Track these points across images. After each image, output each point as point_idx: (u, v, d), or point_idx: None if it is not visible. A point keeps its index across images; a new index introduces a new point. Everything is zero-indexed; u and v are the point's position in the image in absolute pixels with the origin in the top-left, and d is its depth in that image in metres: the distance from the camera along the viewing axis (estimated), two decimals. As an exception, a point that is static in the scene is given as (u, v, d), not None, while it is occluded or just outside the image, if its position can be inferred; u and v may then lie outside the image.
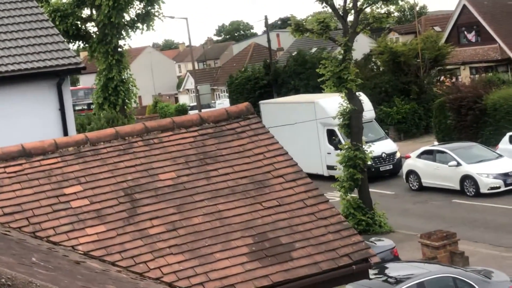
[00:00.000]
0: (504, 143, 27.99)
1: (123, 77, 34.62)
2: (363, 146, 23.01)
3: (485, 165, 25.79)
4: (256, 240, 7.80)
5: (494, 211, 23.42)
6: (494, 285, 14.16)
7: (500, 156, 26.66)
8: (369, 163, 23.66)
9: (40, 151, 8.45)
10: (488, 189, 25.19)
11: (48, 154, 8.45)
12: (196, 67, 79.03)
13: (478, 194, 25.23)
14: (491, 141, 32.25)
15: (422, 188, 27.49)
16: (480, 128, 33.54)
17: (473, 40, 48.16)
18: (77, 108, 60.95)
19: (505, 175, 25.35)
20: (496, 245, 19.96)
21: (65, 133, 13.81)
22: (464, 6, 47.73)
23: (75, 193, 8.04)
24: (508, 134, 28.32)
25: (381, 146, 30.07)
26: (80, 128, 27.42)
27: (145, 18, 35.30)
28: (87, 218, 7.76)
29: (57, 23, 32.91)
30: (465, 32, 48.55)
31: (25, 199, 7.85)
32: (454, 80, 45.01)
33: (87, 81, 72.71)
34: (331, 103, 28.03)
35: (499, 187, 25.16)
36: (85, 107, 59.28)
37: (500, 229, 21.36)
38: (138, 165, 8.49)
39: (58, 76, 14.11)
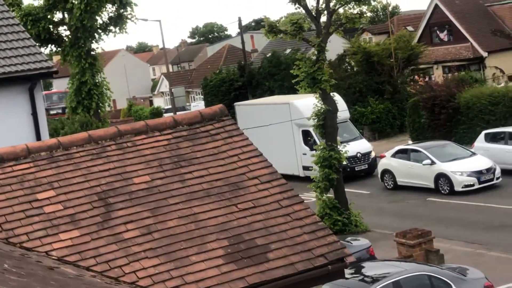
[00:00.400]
0: (479, 141, 28.21)
1: (97, 80, 34.39)
2: (338, 146, 23.08)
3: (459, 163, 26.00)
4: (231, 242, 7.78)
5: (468, 209, 23.61)
6: (470, 282, 14.26)
7: (474, 154, 26.89)
8: (344, 163, 23.73)
9: (12, 156, 8.36)
10: (462, 187, 25.39)
11: (20, 159, 8.37)
12: (171, 70, 78.82)
13: (452, 192, 25.42)
14: (465, 139, 32.52)
15: (397, 187, 27.64)
16: (453, 127, 33.80)
17: (446, 39, 48.57)
18: (52, 112, 60.46)
19: (479, 173, 25.57)
20: (470, 242, 20.12)
21: (38, 137, 13.69)
22: (436, 5, 48.12)
23: (48, 198, 7.96)
24: (484, 132, 28.53)
25: (356, 146, 30.19)
26: (54, 133, 27.23)
27: (118, 21, 35.09)
28: (60, 223, 7.70)
29: (29, 27, 32.63)
30: (438, 32, 48.95)
31: (-2, 205, 7.77)
32: (427, 79, 45.34)
33: (61, 85, 72.22)
34: (306, 104, 28.11)
35: (473, 185, 25.37)
36: (60, 111, 58.81)
37: (474, 226, 21.53)
38: (111, 169, 8.44)
39: (30, 81, 13.99)
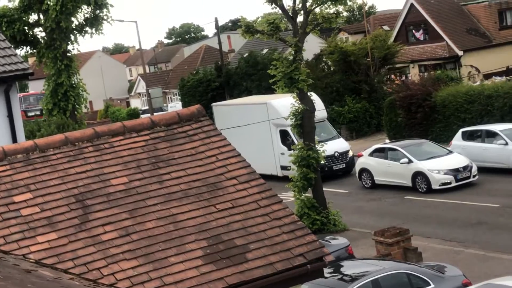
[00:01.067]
0: (457, 139, 28.38)
1: (73, 82, 34.15)
2: (316, 146, 23.13)
3: (436, 161, 26.16)
4: (210, 242, 7.78)
5: (445, 207, 23.77)
6: (448, 280, 14.36)
7: (450, 152, 27.07)
8: (322, 162, 23.79)
9: (-12, 159, 8.29)
10: (440, 185, 25.55)
11: (-4, 162, 8.30)
12: (147, 71, 78.59)
13: (429, 190, 25.57)
14: (441, 138, 32.73)
15: (375, 186, 27.76)
16: (430, 125, 34.02)
17: (421, 38, 48.88)
18: (29, 114, 59.98)
19: (456, 171, 25.74)
20: (448, 240, 20.25)
21: (14, 140, 13.57)
22: (412, 5, 48.41)
23: (25, 200, 7.91)
24: (461, 130, 28.71)
25: (333, 145, 30.26)
26: (30, 135, 27.00)
27: (94, 22, 34.86)
28: (38, 226, 7.65)
29: (4, 28, 32.35)
30: (413, 31, 49.26)
31: (-27, 208, 7.70)
32: (403, 78, 45.58)
33: (37, 87, 71.71)
34: (283, 103, 28.13)
35: (450, 183, 25.53)
36: (38, 112, 58.38)
37: (452, 224, 21.68)
38: (89, 171, 8.40)
39: (6, 83, 13.86)
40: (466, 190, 25.19)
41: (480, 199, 23.81)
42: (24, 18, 34.16)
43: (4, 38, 14.98)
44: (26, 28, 34.42)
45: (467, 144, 27.75)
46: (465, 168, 25.86)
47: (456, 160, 26.23)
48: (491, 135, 27.28)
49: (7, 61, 14.15)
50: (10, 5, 34.21)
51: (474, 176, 25.91)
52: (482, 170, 26.39)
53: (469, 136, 28.17)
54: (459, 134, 28.55)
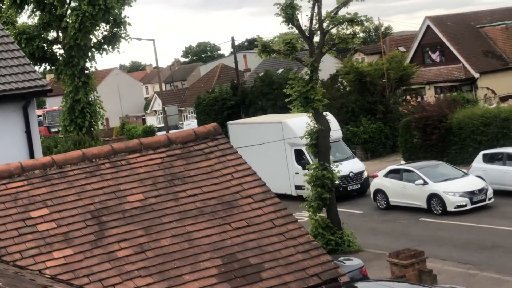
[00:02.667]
0: (477, 162, 28.11)
1: (90, 99, 34.44)
2: (331, 166, 23.09)
3: (451, 183, 26.02)
4: (225, 261, 7.77)
5: (460, 229, 23.62)
6: (462, 303, 14.25)
7: (466, 174, 26.92)
8: (337, 182, 23.72)
9: (6, 174, 8.36)
10: (455, 207, 25.40)
11: (14, 177, 8.37)
12: (164, 89, 78.89)
13: (445, 212, 25.42)
14: (457, 160, 32.58)
15: (389, 207, 27.63)
16: (445, 147, 33.88)
17: (438, 60, 48.82)
18: (53, 130, 60.18)
19: (471, 193, 25.59)
20: (463, 262, 20.10)
21: (31, 155, 13.67)
22: (428, 26, 48.42)
23: (41, 216, 7.95)
24: (482, 153, 28.40)
25: (348, 166, 30.19)
26: (47, 151, 27.18)
27: (112, 40, 35.19)
28: (54, 241, 7.68)
29: (23, 45, 32.70)
30: (430, 52, 49.22)
31: (-9, 223, 7.75)
32: (419, 99, 45.49)
33: (54, 103, 72.18)
34: (299, 123, 28.12)
35: (465, 205, 25.38)
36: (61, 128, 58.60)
37: (467, 246, 21.53)
38: (105, 187, 8.44)
39: (25, 99, 14.00)
40: (481, 212, 25.03)
41: (496, 222, 23.65)
42: (43, 35, 34.54)
43: (23, 55, 15.13)
44: (45, 45, 34.78)
45: (488, 167, 27.46)
46: (480, 190, 25.70)
47: (472, 183, 26.08)
48: (512, 158, 27.00)
49: (26, 77, 14.29)
50: (30, 22, 34.58)
51: (489, 199, 25.73)
52: (502, 193, 26.21)
53: (490, 159, 27.87)
54: (479, 156, 28.25)
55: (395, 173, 28.04)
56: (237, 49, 61.28)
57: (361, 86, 42.15)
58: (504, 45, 47.90)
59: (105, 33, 35.19)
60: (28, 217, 7.92)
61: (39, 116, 72.34)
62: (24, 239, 7.66)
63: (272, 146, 30.67)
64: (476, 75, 45.62)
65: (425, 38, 48.99)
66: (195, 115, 59.85)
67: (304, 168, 27.80)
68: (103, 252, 7.64)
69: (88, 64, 34.59)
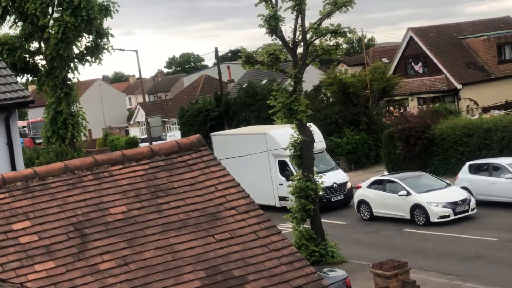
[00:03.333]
0: (463, 173, 28.20)
1: (72, 110, 34.28)
2: (315, 177, 23.12)
3: (434, 194, 26.11)
4: (208, 273, 7.73)
5: (444, 240, 23.69)
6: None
7: (449, 185, 27.04)
8: (320, 193, 23.76)
9: (-13, 186, 8.27)
10: (438, 218, 25.49)
11: (-5, 189, 8.28)
12: (147, 100, 78.79)
13: (428, 223, 25.50)
14: (440, 170, 32.74)
15: (373, 218, 27.69)
16: (428, 158, 34.05)
17: (420, 71, 49.14)
18: (37, 141, 59.88)
19: (454, 204, 25.69)
20: (446, 273, 20.16)
21: (13, 167, 13.57)
22: (411, 38, 48.76)
23: (23, 228, 7.87)
24: (468, 163, 28.50)
25: (332, 177, 30.25)
26: (29, 163, 27.01)
27: (94, 51, 35.08)
28: (36, 254, 7.60)
29: (5, 56, 32.53)
30: (412, 64, 49.55)
31: (-29, 235, 7.66)
32: (402, 110, 45.73)
33: (37, 114, 71.85)
34: (282, 134, 28.17)
35: (448, 216, 25.48)
36: None
37: (450, 257, 21.60)
38: (88, 199, 8.37)
39: (6, 110, 13.90)
40: (464, 223, 25.14)
41: (479, 233, 23.75)
42: (25, 46, 34.35)
43: (5, 65, 15.04)
44: (27, 56, 34.63)
45: (474, 178, 27.54)
46: (463, 201, 25.81)
47: (455, 193, 26.20)
48: (498, 169, 27.11)
49: (8, 88, 14.20)
50: (12, 33, 34.40)
51: (472, 210, 25.85)
52: (486, 204, 26.33)
53: (476, 170, 27.96)
54: (466, 167, 28.32)
55: (378, 184, 28.12)
56: (220, 60, 61.32)
57: (344, 97, 42.31)
58: (486, 57, 48.30)
59: (88, 44, 35.09)
60: (10, 230, 7.84)
61: (24, 127, 72.02)
62: (6, 252, 7.58)
63: (256, 157, 30.67)
64: (459, 86, 45.97)
65: (408, 50, 49.33)
66: (178, 126, 59.80)
67: (288, 179, 27.79)
68: (85, 265, 7.57)
69: (70, 75, 34.47)
